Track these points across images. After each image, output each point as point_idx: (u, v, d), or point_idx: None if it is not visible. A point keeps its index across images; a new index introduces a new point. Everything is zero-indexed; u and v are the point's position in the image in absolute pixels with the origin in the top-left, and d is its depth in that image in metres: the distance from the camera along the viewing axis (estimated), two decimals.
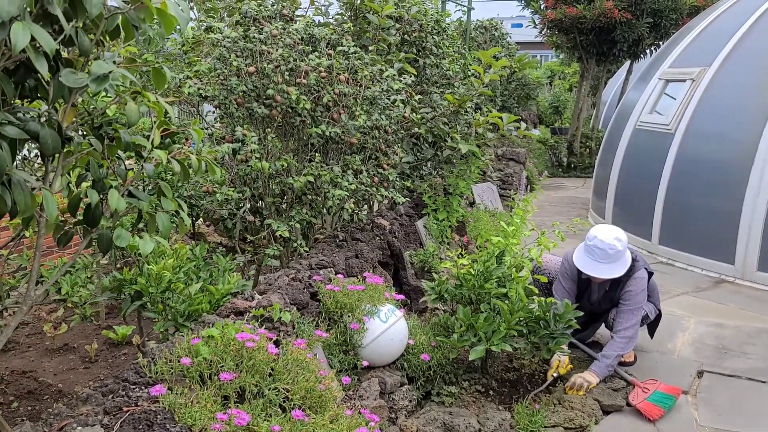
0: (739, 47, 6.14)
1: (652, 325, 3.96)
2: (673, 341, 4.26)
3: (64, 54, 1.77)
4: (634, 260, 3.61)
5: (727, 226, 5.60)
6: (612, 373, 3.56)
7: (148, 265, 2.97)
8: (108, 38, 1.80)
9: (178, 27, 1.80)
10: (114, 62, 1.80)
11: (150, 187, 3.23)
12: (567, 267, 3.76)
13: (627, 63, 11.80)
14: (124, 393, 2.12)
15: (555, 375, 3.48)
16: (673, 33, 9.05)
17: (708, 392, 3.59)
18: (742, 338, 4.33)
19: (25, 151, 2.80)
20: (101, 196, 1.95)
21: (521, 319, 3.31)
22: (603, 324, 3.95)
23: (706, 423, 3.27)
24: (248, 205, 3.74)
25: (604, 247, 3.47)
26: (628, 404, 3.38)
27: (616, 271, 3.52)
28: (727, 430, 3.21)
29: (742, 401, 3.49)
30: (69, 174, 2.15)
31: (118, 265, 3.54)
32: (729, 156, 5.74)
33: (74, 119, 1.85)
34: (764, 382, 3.70)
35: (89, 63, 1.71)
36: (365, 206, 4.26)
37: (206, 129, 3.88)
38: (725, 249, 5.62)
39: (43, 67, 1.50)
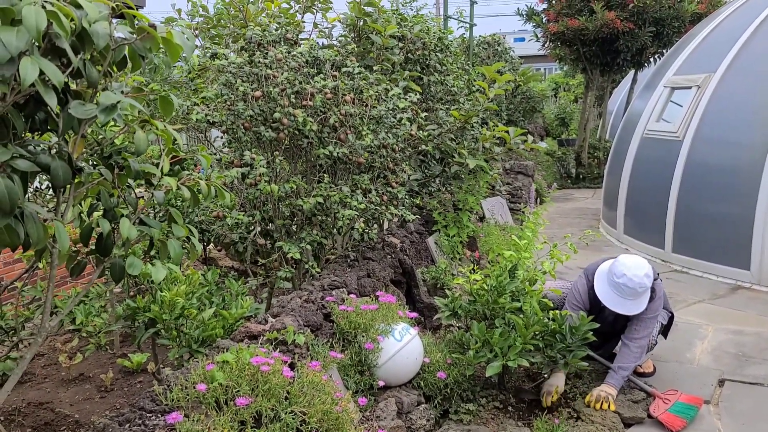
0: (744, 52, 6.13)
1: (665, 327, 3.89)
2: (691, 350, 4.20)
3: (73, 86, 1.80)
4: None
5: (740, 232, 5.55)
6: (627, 381, 3.51)
7: (161, 291, 2.98)
8: (115, 69, 1.82)
9: (183, 55, 1.82)
10: (122, 92, 1.82)
11: (161, 215, 3.25)
12: (578, 297, 3.63)
13: (631, 72, 11.81)
14: (140, 422, 2.11)
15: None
16: (676, 41, 9.06)
17: (730, 401, 3.52)
18: (762, 345, 4.27)
19: (36, 183, 2.83)
20: (112, 225, 1.96)
21: (537, 333, 3.28)
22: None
23: None
24: (258, 229, 3.74)
25: (634, 286, 3.35)
26: (650, 416, 3.32)
27: (642, 305, 3.44)
28: None
29: (765, 409, 3.42)
30: (80, 204, 2.16)
31: (131, 293, 3.55)
32: (739, 161, 5.70)
33: (84, 150, 1.87)
34: None
35: (97, 94, 1.73)
36: (375, 225, 4.25)
37: (214, 154, 3.91)
38: (740, 255, 5.56)
39: (52, 100, 1.52)
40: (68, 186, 1.82)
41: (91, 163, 2.02)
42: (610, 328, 3.67)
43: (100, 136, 2.01)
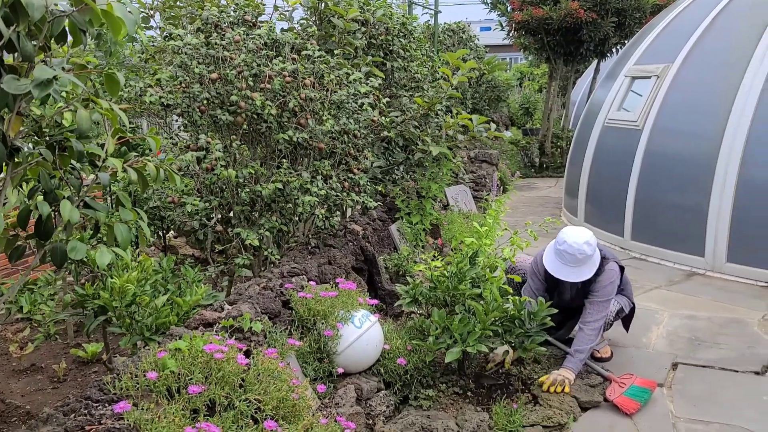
0: (700, 43, 6.24)
1: (626, 318, 3.98)
2: (647, 335, 4.28)
3: (9, 61, 1.70)
4: (603, 258, 3.63)
5: (696, 220, 5.67)
6: (585, 366, 3.57)
7: (112, 278, 2.89)
8: (54, 44, 1.74)
9: (128, 32, 1.74)
10: (63, 68, 1.73)
11: (113, 198, 3.15)
12: (536, 268, 3.78)
13: (594, 62, 11.95)
14: (86, 411, 2.04)
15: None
16: (638, 31, 9.18)
17: (683, 384, 3.60)
18: (714, 329, 4.37)
19: None
20: (53, 207, 1.88)
21: (496, 319, 3.29)
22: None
23: (681, 414, 3.28)
24: (219, 216, 3.66)
25: (574, 252, 3.48)
26: (606, 400, 3.38)
27: (585, 274, 3.55)
28: (702, 420, 3.22)
29: (716, 391, 3.51)
30: (22, 187, 2.07)
31: (82, 281, 3.45)
32: (695, 151, 5.81)
33: (23, 128, 1.78)
34: (737, 371, 3.73)
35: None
36: (338, 212, 4.21)
37: (171, 138, 3.80)
38: (695, 242, 5.69)
39: None
40: (4, 166, 1.73)
41: (31, 142, 1.93)
42: (566, 305, 3.77)
43: (41, 115, 1.92)
